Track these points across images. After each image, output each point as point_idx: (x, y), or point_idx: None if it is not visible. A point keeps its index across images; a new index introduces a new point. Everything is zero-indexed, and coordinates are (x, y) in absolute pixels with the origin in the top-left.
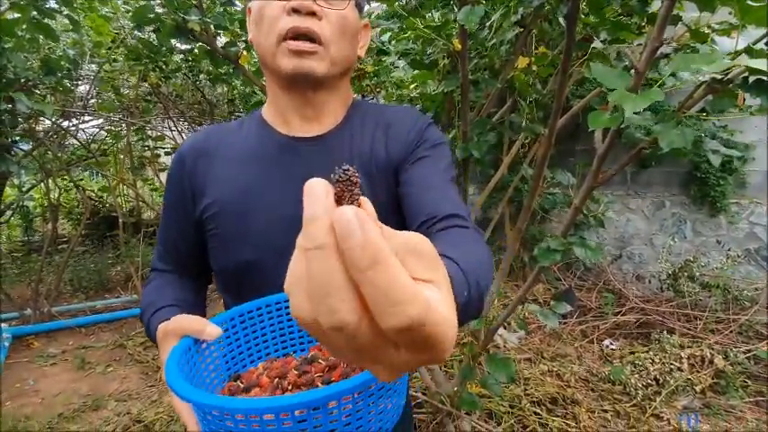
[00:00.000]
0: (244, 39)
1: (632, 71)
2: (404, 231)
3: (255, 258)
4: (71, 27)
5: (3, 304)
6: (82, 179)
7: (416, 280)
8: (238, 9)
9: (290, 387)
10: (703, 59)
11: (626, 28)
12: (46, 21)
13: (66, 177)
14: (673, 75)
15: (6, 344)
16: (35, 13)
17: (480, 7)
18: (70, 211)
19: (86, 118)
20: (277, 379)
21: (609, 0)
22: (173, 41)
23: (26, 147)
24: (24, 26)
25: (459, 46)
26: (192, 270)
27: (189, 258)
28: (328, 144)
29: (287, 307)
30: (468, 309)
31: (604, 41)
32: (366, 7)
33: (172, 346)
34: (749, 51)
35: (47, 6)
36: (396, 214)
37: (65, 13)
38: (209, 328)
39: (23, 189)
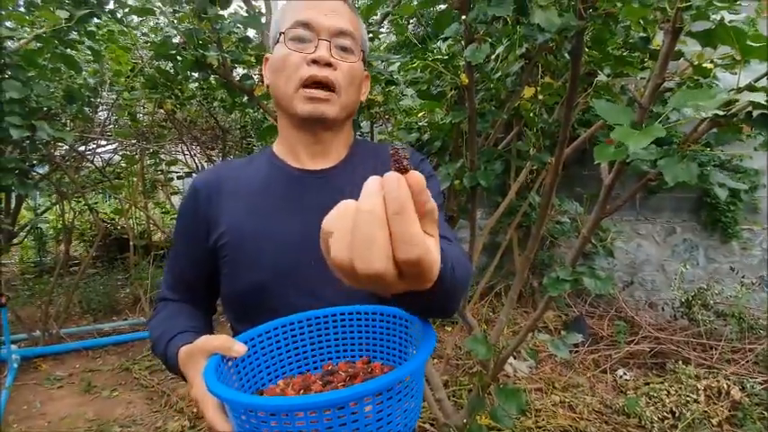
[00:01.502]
0: (261, 74)
1: (636, 105)
2: (431, 198)
3: (265, 281)
4: (92, 57)
5: (13, 326)
6: (96, 202)
7: (425, 231)
8: (253, 44)
9: None
10: (704, 95)
11: (629, 63)
12: (68, 51)
13: (80, 200)
14: (675, 110)
15: (15, 365)
16: (57, 42)
17: (486, 45)
18: (82, 233)
19: (102, 143)
20: (302, 390)
21: (612, 36)
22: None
23: (41, 169)
24: (48, 56)
25: (467, 80)
26: (200, 299)
27: (198, 288)
28: (333, 177)
29: (300, 327)
30: (444, 279)
31: (608, 75)
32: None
33: (201, 364)
34: (751, 88)
35: (69, 38)
36: None
37: (87, 44)
38: (236, 346)
39: (38, 211)
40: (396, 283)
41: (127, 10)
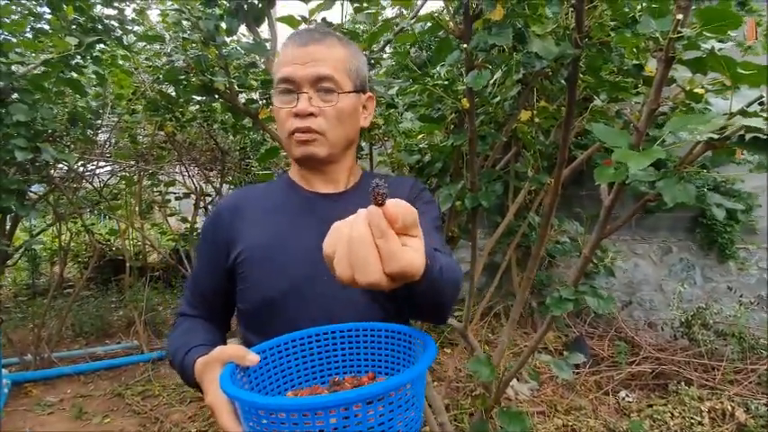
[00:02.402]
0: (267, 96)
1: (632, 128)
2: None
3: (279, 295)
4: (96, 81)
5: (4, 349)
6: (93, 224)
7: (407, 235)
8: (258, 70)
9: None
10: (699, 120)
11: (623, 89)
12: (74, 75)
13: (77, 221)
14: (672, 133)
15: (6, 390)
16: (63, 67)
17: (487, 71)
18: (77, 255)
19: (101, 163)
20: None
21: (606, 62)
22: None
23: (37, 189)
24: (53, 80)
25: (468, 104)
26: (217, 315)
27: (216, 304)
28: (343, 200)
29: (310, 342)
30: (431, 273)
31: (604, 100)
32: (371, 72)
33: (216, 372)
34: (744, 113)
35: (75, 62)
36: None
37: (92, 69)
38: (249, 356)
39: (34, 232)
40: (389, 286)
41: (135, 38)
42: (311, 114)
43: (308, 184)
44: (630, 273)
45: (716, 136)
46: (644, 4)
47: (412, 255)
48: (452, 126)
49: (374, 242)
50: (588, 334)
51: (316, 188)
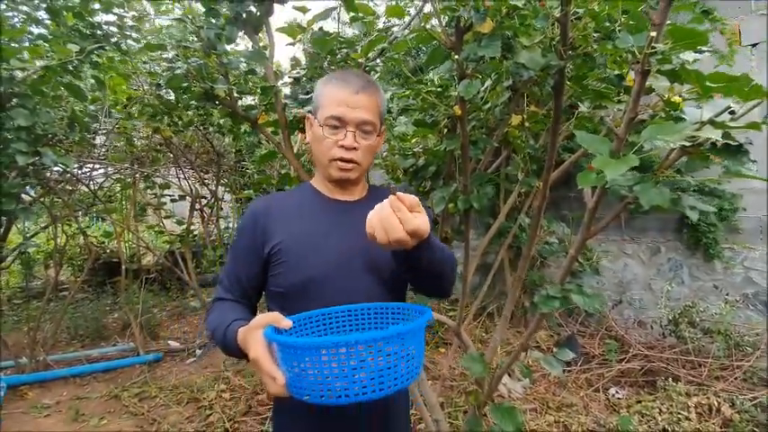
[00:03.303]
0: (266, 103)
1: (613, 135)
2: (413, 198)
3: (312, 277)
4: (95, 86)
5: (0, 353)
6: (89, 226)
7: (415, 211)
8: (257, 76)
9: None
10: (670, 129)
11: (606, 96)
12: (73, 80)
13: (72, 223)
14: (647, 140)
15: (2, 393)
16: (63, 72)
17: (477, 81)
18: (71, 258)
19: (97, 166)
20: None
21: (591, 70)
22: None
23: (32, 191)
24: (51, 84)
25: (460, 111)
26: (248, 299)
27: (249, 289)
28: (358, 207)
29: (330, 317)
30: (432, 241)
31: (588, 107)
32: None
33: (257, 333)
34: (712, 123)
35: (73, 67)
36: None
37: (91, 73)
38: (284, 321)
39: (27, 234)
40: (410, 241)
41: (135, 44)
42: (354, 149)
43: (330, 193)
44: (620, 273)
45: (688, 143)
46: (623, 20)
47: (421, 219)
48: (446, 130)
49: (396, 215)
50: (580, 332)
51: (336, 197)
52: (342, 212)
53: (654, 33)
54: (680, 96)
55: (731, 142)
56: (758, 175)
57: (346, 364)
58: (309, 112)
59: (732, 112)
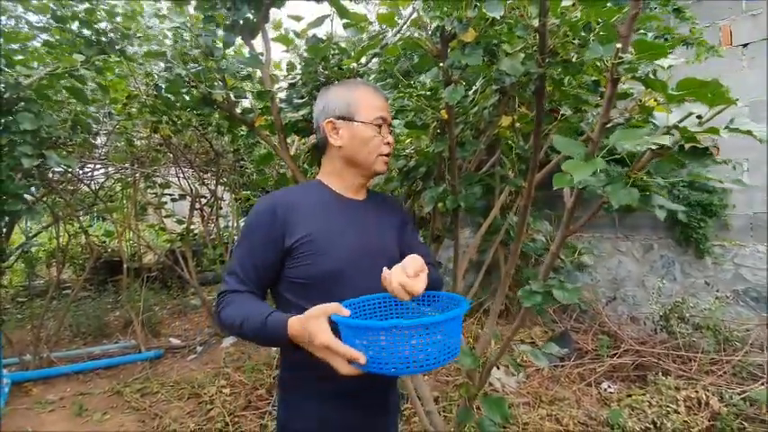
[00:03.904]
0: (261, 108)
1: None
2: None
3: (339, 268)
4: (97, 90)
5: (3, 350)
6: (91, 225)
7: (420, 274)
8: (254, 80)
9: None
10: (634, 135)
11: (585, 102)
12: (78, 85)
13: (74, 223)
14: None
15: (6, 389)
16: (67, 77)
17: (461, 87)
18: (72, 257)
19: (98, 166)
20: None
21: (574, 75)
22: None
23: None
24: (55, 88)
25: (447, 115)
26: (262, 290)
27: (264, 278)
28: (366, 206)
29: (372, 303)
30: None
31: (565, 112)
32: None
33: (321, 321)
34: (676, 128)
35: (78, 74)
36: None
37: (90, 77)
38: (344, 310)
39: (30, 234)
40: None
41: (137, 48)
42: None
43: (345, 192)
44: (614, 270)
45: (654, 147)
46: (596, 30)
47: (421, 285)
48: (437, 132)
49: (406, 286)
50: (574, 329)
51: (350, 196)
52: (356, 211)
53: (619, 45)
54: (655, 101)
55: (697, 145)
56: (715, 177)
57: (409, 342)
58: (338, 117)
59: (699, 117)
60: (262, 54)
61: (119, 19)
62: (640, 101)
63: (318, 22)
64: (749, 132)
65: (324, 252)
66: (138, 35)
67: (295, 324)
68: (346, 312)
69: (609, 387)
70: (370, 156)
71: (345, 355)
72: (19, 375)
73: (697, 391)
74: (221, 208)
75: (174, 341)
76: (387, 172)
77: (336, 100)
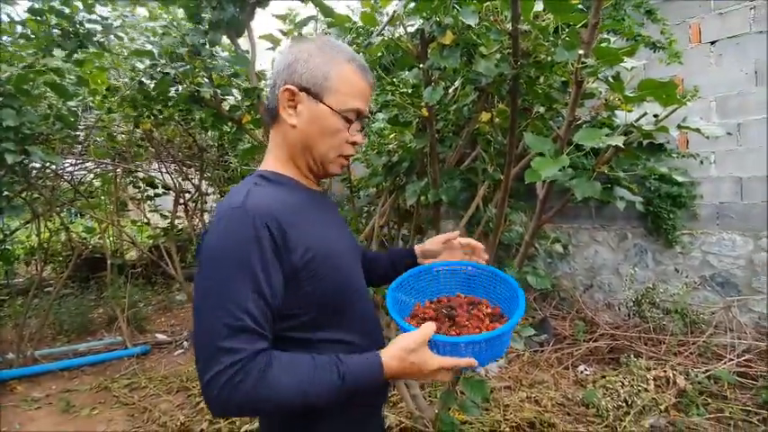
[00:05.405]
0: (248, 105)
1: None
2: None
3: (345, 279)
4: (76, 82)
5: None
6: (72, 222)
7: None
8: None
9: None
10: (594, 134)
11: (555, 100)
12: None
13: (54, 219)
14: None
15: None
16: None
17: (440, 87)
18: (53, 254)
19: (78, 161)
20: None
21: (549, 74)
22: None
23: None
24: (32, 83)
25: (427, 113)
26: (271, 332)
27: (273, 314)
28: (327, 198)
29: (418, 275)
30: None
31: (537, 110)
32: None
33: (423, 349)
34: (633, 126)
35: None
36: None
37: (74, 73)
38: (431, 328)
39: (7, 231)
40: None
41: (122, 42)
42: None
43: (309, 185)
44: (591, 258)
45: (614, 143)
46: (563, 35)
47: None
48: (419, 128)
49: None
50: (553, 315)
51: (313, 187)
52: (325, 207)
53: (581, 51)
54: (619, 100)
55: (654, 141)
56: (668, 171)
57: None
58: (302, 89)
59: (656, 116)
60: (247, 52)
61: (104, 11)
62: (606, 100)
63: (305, 21)
64: (698, 130)
65: (333, 264)
66: (117, 25)
67: (393, 364)
68: (434, 327)
69: (585, 370)
70: (329, 152)
71: (458, 366)
72: (3, 373)
73: (665, 371)
74: (206, 203)
75: (161, 337)
76: (341, 173)
77: (310, 64)
